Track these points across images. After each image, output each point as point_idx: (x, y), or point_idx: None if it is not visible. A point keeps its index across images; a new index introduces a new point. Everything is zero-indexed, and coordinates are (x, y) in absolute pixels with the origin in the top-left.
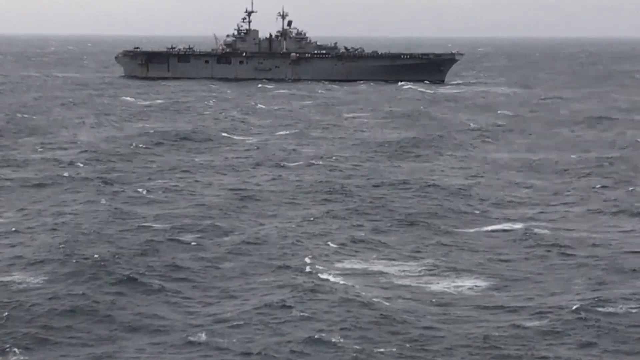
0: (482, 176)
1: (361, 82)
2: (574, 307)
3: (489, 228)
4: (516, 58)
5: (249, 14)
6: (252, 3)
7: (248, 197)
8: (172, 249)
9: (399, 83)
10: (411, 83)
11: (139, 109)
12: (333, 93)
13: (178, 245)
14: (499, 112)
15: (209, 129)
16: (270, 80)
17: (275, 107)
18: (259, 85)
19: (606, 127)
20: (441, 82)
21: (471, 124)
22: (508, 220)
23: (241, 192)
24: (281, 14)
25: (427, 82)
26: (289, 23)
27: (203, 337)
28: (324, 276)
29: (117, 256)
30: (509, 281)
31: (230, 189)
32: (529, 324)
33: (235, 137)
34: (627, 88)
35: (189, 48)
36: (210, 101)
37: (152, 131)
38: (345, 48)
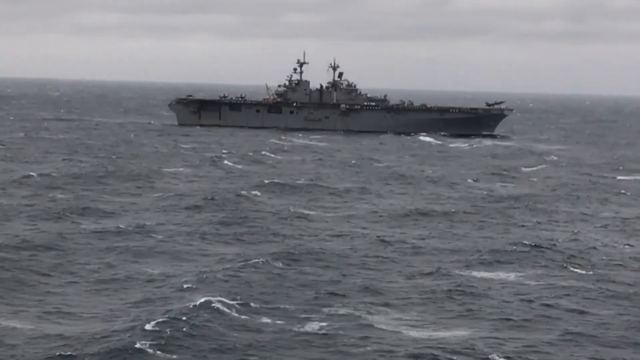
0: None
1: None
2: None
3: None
4: (568, 114)
5: (301, 65)
6: (304, 54)
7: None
8: None
9: (421, 137)
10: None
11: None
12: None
13: None
14: (523, 169)
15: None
16: (319, 130)
17: (296, 158)
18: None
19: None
20: (489, 136)
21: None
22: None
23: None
24: (332, 65)
25: (456, 134)
26: (340, 75)
27: None
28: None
29: None
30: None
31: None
32: None
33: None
34: None
35: (241, 97)
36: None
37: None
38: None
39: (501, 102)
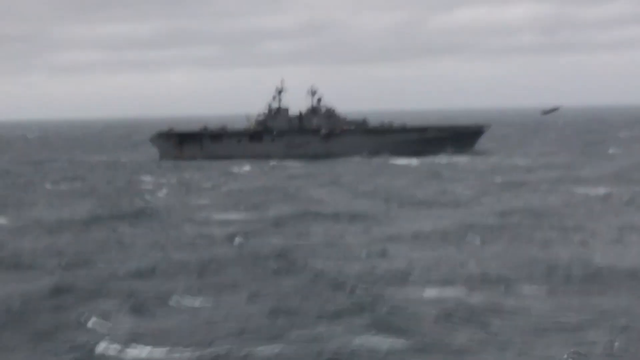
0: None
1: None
2: None
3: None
4: (546, 127)
5: (279, 92)
6: (281, 82)
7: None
8: None
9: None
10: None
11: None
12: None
13: None
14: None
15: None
16: (301, 156)
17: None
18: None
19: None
20: (464, 153)
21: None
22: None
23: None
24: (311, 91)
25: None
26: (319, 100)
27: None
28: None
29: None
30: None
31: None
32: None
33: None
34: None
35: (222, 128)
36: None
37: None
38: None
39: (557, 109)
